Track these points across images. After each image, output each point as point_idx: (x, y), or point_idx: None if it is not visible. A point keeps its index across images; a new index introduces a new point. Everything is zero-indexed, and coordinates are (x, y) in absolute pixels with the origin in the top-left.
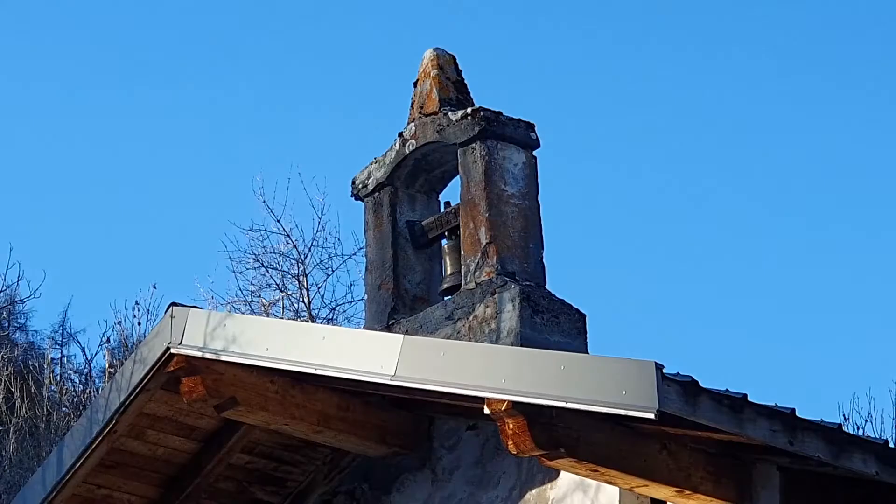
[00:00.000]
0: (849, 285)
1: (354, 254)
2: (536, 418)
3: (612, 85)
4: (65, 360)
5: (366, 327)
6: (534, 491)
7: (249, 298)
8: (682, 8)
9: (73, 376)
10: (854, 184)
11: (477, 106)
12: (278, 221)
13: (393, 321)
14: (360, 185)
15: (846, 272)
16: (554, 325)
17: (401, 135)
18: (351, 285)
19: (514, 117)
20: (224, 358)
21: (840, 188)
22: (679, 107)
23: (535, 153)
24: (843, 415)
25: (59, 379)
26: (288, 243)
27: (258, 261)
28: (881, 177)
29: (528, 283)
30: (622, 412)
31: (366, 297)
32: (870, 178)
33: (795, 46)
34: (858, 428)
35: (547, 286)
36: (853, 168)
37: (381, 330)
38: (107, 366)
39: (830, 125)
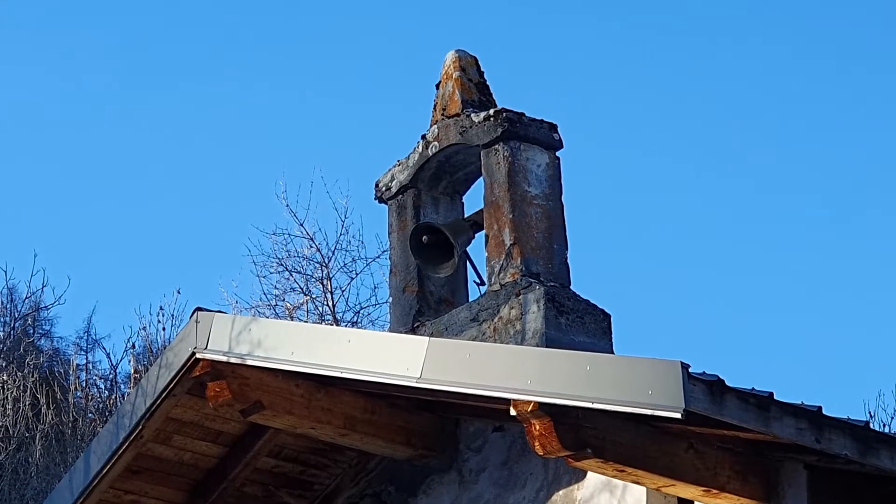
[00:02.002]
0: (873, 283)
1: (378, 256)
2: (563, 419)
3: (635, 82)
4: (90, 366)
5: (391, 330)
6: (561, 492)
7: (273, 302)
8: (699, 5)
9: (98, 382)
10: (883, 173)
11: (500, 107)
12: (301, 225)
13: (418, 323)
14: (384, 188)
15: (870, 269)
16: (579, 325)
17: (424, 137)
18: (375, 288)
19: (537, 118)
20: (249, 362)
21: (869, 179)
22: (706, 102)
23: (558, 154)
24: (870, 412)
25: (84, 385)
26: (311, 247)
27: (282, 265)
28: None
29: (552, 283)
30: (648, 412)
31: (390, 299)
32: None
33: (824, 39)
34: (885, 425)
35: (571, 287)
36: (882, 157)
37: (407, 332)
38: (132, 371)
39: (863, 116)
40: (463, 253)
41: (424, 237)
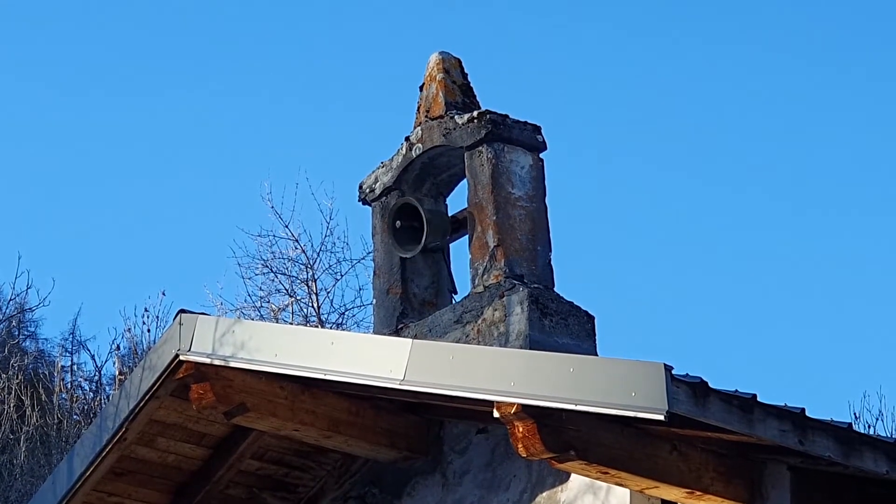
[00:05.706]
0: (858, 284)
1: (363, 258)
2: (546, 421)
3: (618, 84)
4: (75, 367)
5: (374, 332)
6: (544, 494)
7: (258, 304)
8: (685, 6)
9: (83, 384)
10: (871, 180)
11: (483, 109)
12: (286, 227)
13: (401, 325)
14: (368, 190)
15: (856, 270)
16: (563, 327)
17: (407, 139)
18: (360, 290)
19: (521, 120)
20: (233, 364)
21: (856, 184)
22: (687, 105)
23: (541, 155)
24: (854, 413)
25: (69, 387)
26: (296, 248)
27: (267, 266)
28: None
29: (536, 285)
30: (632, 414)
31: (374, 301)
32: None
33: (806, 43)
34: (869, 426)
35: (555, 288)
36: (869, 164)
37: (390, 334)
38: (117, 373)
39: (852, 122)
40: (441, 255)
41: (398, 222)
